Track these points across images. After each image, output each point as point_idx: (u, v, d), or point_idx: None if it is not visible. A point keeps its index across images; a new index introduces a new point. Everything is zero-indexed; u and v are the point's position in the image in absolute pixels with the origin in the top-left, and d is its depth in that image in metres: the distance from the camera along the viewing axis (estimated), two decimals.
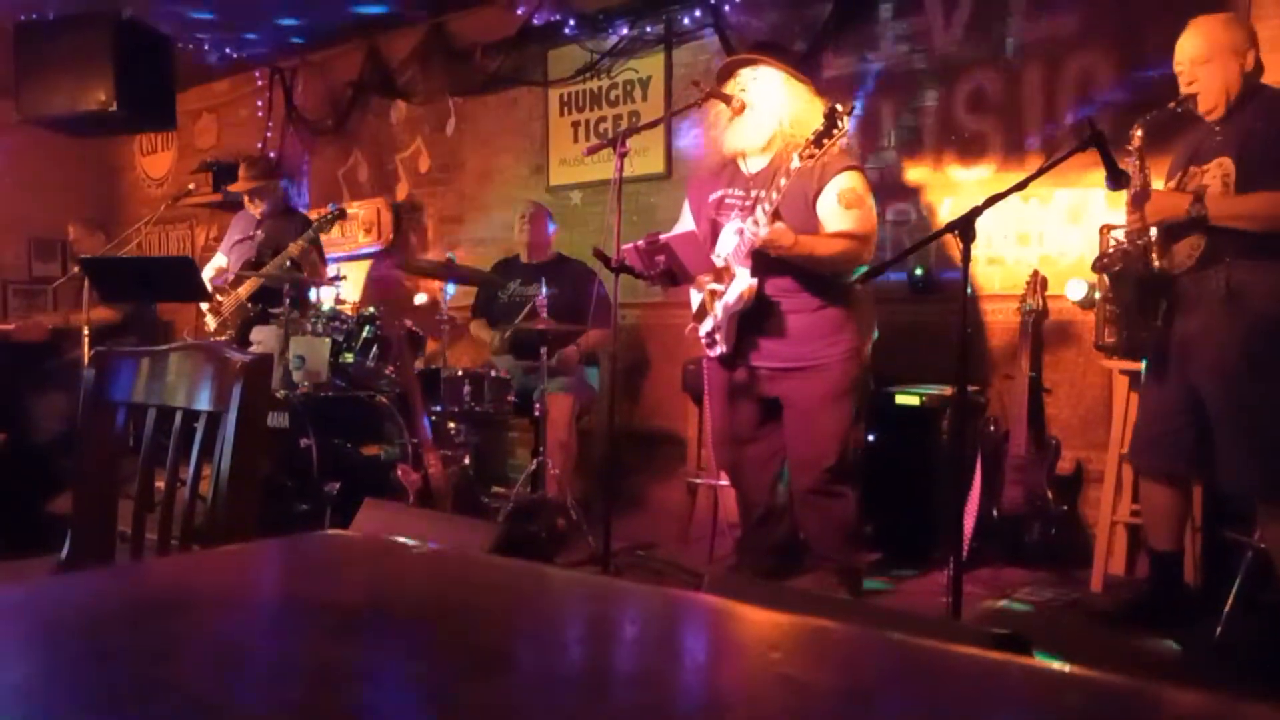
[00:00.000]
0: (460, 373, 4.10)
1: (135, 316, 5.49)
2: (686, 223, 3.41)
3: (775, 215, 2.99)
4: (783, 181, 2.96)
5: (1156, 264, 2.85)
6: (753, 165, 3.27)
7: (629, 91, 5.10)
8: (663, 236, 3.17)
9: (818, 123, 2.91)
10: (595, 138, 5.14)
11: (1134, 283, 2.92)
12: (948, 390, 3.61)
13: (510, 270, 4.82)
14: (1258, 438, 2.73)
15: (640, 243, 3.18)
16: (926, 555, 3.58)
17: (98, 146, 7.58)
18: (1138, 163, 2.87)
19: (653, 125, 3.87)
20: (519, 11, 5.36)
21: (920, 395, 3.68)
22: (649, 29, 4.97)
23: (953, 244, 2.54)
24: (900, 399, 3.72)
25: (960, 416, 3.18)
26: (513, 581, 0.88)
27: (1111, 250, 3.10)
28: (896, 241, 4.10)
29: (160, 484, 1.50)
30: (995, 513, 3.63)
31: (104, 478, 1.61)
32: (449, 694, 0.60)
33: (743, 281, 3.10)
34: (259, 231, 4.91)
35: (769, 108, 3.17)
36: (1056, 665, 0.61)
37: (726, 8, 4.66)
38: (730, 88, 3.23)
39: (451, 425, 4.16)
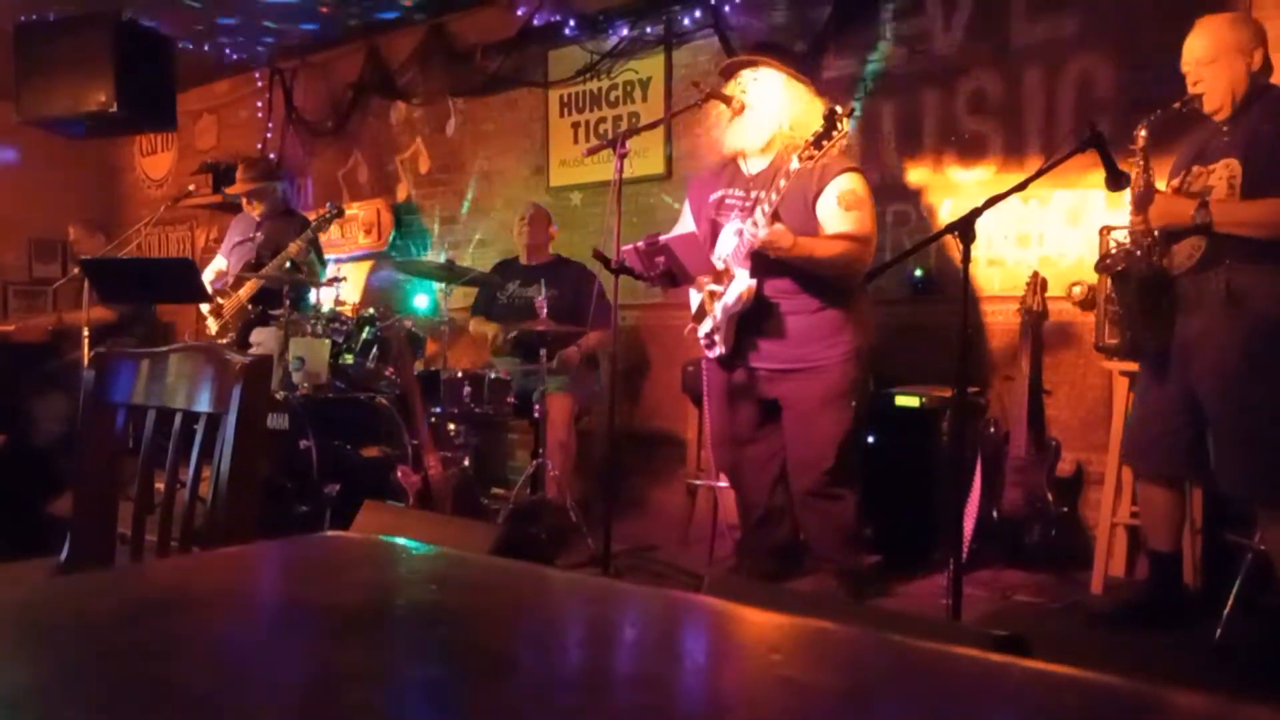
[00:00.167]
0: (460, 374, 4.10)
1: (134, 317, 5.49)
2: (686, 224, 3.41)
3: (774, 216, 2.99)
4: (782, 183, 2.96)
5: (1159, 264, 2.85)
6: (753, 166, 3.27)
7: (629, 92, 5.10)
8: (662, 238, 3.17)
9: (818, 124, 2.91)
10: (595, 139, 5.14)
11: (1137, 284, 2.91)
12: (948, 391, 3.60)
13: (510, 271, 4.82)
14: (1258, 441, 2.72)
15: (640, 244, 3.17)
16: (927, 557, 3.58)
17: (98, 147, 7.59)
18: (1141, 163, 2.84)
19: (653, 126, 3.87)
20: (519, 12, 5.36)
21: (920, 397, 3.68)
22: (649, 30, 4.98)
23: (953, 245, 2.54)
24: (900, 400, 3.71)
25: (960, 418, 3.18)
26: (513, 583, 0.88)
27: (1114, 251, 3.09)
28: (896, 242, 4.10)
29: (160, 485, 1.50)
30: (995, 514, 3.63)
31: (104, 479, 1.61)
32: (449, 696, 0.60)
33: (742, 283, 3.10)
34: (259, 233, 4.91)
35: (769, 109, 3.17)
36: (1056, 667, 0.61)
37: (727, 8, 4.67)
38: (731, 88, 3.24)
39: (451, 426, 4.16)
